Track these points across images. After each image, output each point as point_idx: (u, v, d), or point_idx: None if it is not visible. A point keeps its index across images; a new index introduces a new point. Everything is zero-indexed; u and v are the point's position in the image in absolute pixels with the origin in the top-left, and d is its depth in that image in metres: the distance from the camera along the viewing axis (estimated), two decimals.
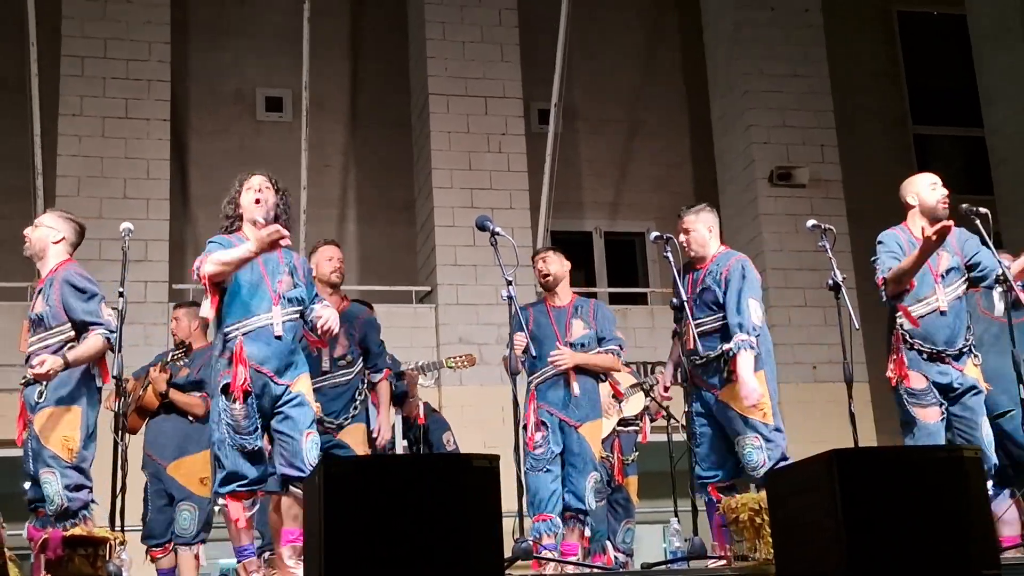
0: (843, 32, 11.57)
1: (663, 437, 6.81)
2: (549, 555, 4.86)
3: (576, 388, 5.21)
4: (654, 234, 5.24)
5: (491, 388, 8.83)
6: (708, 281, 5.02)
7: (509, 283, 4.80)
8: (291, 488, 4.32)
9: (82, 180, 9.00)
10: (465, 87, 10.11)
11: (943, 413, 4.83)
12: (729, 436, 4.92)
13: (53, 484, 4.55)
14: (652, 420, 7.04)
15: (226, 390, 4.27)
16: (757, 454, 4.81)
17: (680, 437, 6.40)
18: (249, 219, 4.46)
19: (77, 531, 4.03)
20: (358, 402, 5.33)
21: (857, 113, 11.50)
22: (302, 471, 4.22)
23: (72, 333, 4.65)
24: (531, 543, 4.48)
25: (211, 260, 4.28)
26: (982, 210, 5.10)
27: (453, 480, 3.18)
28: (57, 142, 9.13)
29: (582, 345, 5.28)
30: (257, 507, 4.41)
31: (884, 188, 11.70)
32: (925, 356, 4.93)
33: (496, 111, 10.12)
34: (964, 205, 5.13)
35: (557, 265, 5.41)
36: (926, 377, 4.88)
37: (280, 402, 4.32)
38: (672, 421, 6.72)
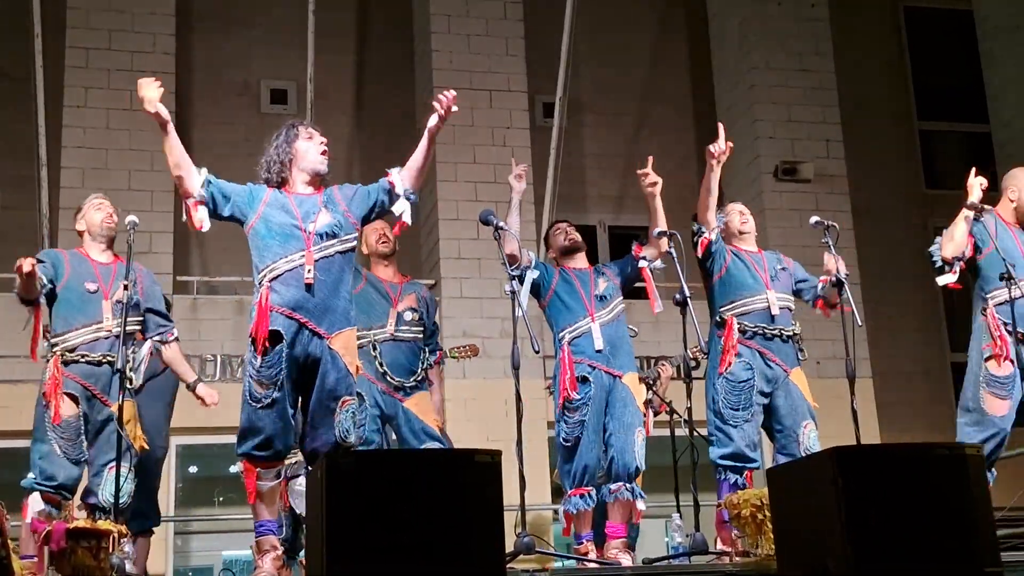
0: (849, 27, 11.55)
1: (665, 431, 6.80)
2: (552, 549, 4.86)
3: (599, 342, 5.04)
4: (657, 230, 5.25)
5: (494, 382, 8.84)
6: (779, 264, 5.29)
7: (512, 277, 4.80)
8: (310, 466, 4.13)
9: (86, 171, 9.01)
10: (470, 80, 10.09)
11: (1011, 407, 4.92)
12: (779, 419, 5.06)
13: (127, 482, 4.56)
14: (656, 414, 7.03)
15: (253, 341, 4.02)
16: (819, 443, 4.94)
17: (682, 432, 6.40)
18: (311, 170, 4.32)
19: (80, 523, 4.04)
20: (421, 369, 5.28)
21: (863, 108, 11.48)
22: (329, 443, 4.04)
23: None
24: (532, 538, 4.46)
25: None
26: (987, 207, 5.11)
27: (455, 475, 3.18)
28: (62, 133, 9.15)
29: (607, 297, 5.18)
30: (280, 480, 4.16)
31: (889, 183, 11.76)
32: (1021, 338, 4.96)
33: (501, 104, 10.11)
34: (970, 201, 5.13)
35: (578, 235, 5.44)
36: (1013, 363, 4.92)
37: (316, 360, 4.05)
38: (675, 416, 6.72)
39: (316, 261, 4.12)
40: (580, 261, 5.37)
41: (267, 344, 4.01)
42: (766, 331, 5.09)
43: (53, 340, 4.70)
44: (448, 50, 10.13)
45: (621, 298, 5.28)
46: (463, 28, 10.18)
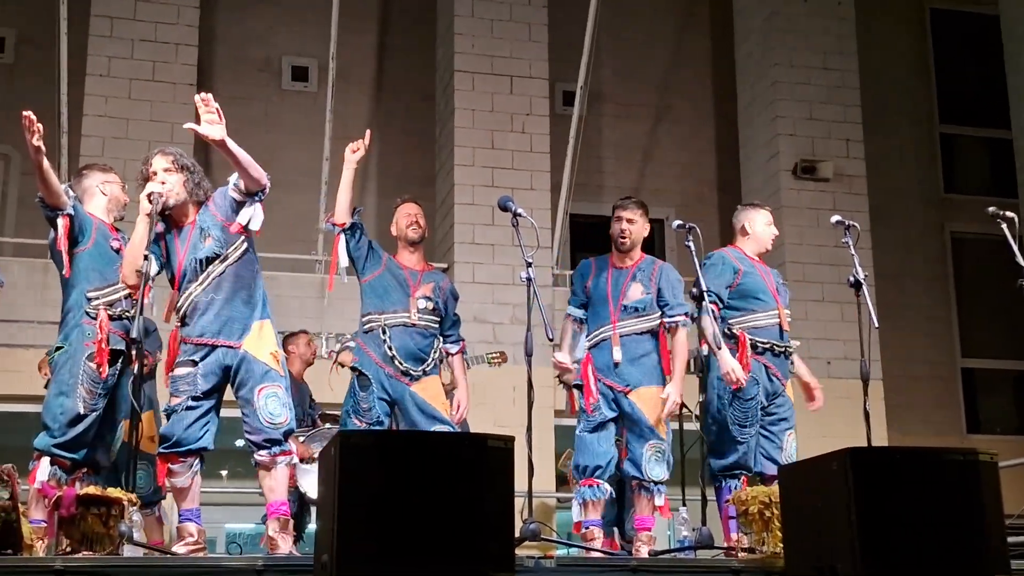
0: (874, 27, 11.49)
1: (674, 425, 6.78)
2: (558, 537, 4.87)
3: (618, 354, 5.04)
4: (676, 223, 5.22)
5: (503, 368, 8.82)
6: (780, 279, 5.38)
7: (529, 265, 4.79)
8: (256, 457, 4.32)
9: (107, 141, 9.02)
10: (491, 65, 10.08)
11: None
12: (768, 425, 5.15)
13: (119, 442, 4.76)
14: None
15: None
16: (795, 451, 5.11)
17: (690, 426, 6.40)
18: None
19: (91, 490, 4.05)
20: (432, 357, 5.28)
21: (884, 109, 11.42)
22: (261, 432, 4.27)
23: None
24: (538, 525, 4.47)
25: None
26: (1009, 214, 5.07)
27: (468, 459, 3.19)
28: (83, 102, 9.15)
29: (636, 309, 5.11)
30: (192, 473, 4.35)
31: (907, 185, 11.71)
32: None
33: (521, 91, 10.09)
34: (991, 209, 5.10)
35: (638, 228, 5.25)
36: None
37: (234, 366, 4.34)
38: (685, 410, 6.69)
39: (208, 284, 4.36)
40: (627, 259, 5.27)
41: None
42: (776, 347, 5.19)
43: (93, 295, 4.64)
44: (471, 34, 10.10)
45: (657, 314, 5.14)
46: (487, 12, 10.15)
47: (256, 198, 4.39)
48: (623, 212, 5.27)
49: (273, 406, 4.29)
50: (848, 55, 10.80)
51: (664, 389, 5.04)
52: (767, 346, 5.15)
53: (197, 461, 4.37)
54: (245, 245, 4.43)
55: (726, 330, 5.17)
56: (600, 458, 5.02)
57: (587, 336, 5.21)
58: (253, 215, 4.39)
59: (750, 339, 5.12)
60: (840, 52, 10.77)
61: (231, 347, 4.33)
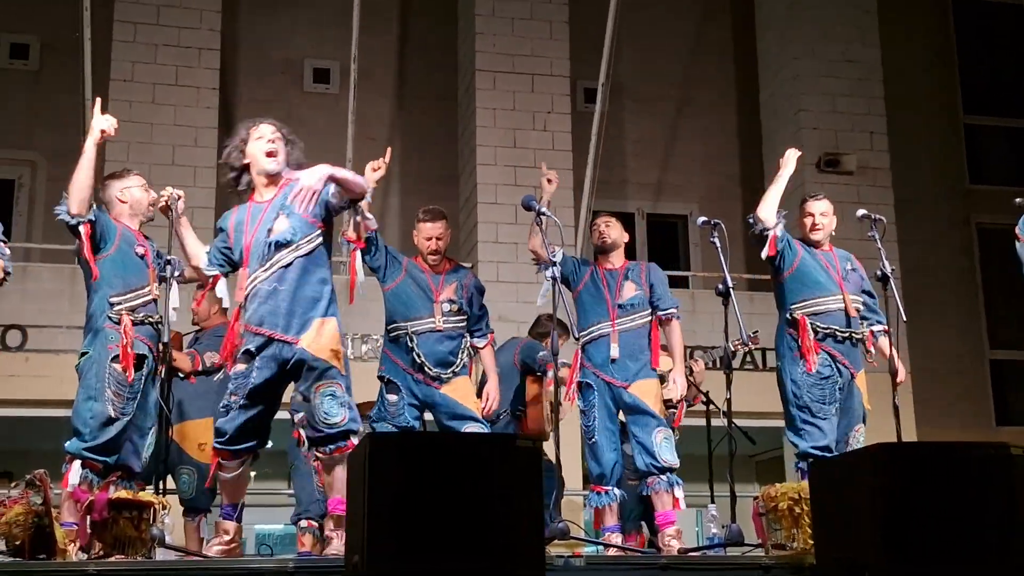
0: (897, 18, 11.41)
1: (701, 421, 6.78)
2: (586, 535, 4.88)
3: (615, 351, 5.13)
4: (701, 219, 5.25)
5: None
6: (850, 265, 5.26)
7: (553, 264, 4.80)
8: (315, 452, 4.24)
9: (132, 145, 9.07)
10: (512, 64, 10.08)
11: None
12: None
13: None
14: (689, 405, 6.99)
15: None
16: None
17: (718, 422, 6.38)
18: (260, 172, 4.32)
19: (123, 495, 4.08)
20: (459, 359, 5.25)
21: (908, 100, 11.34)
22: (318, 431, 4.14)
23: None
24: (567, 524, 4.49)
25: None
26: None
27: (498, 460, 3.19)
28: (107, 107, 9.20)
29: (631, 306, 5.23)
30: (241, 470, 4.30)
31: (932, 177, 11.62)
32: None
33: (543, 89, 10.09)
34: (1018, 200, 5.06)
35: (617, 232, 5.44)
36: None
37: (291, 363, 4.17)
38: (712, 406, 6.69)
39: (273, 272, 4.20)
40: (614, 260, 5.39)
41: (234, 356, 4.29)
42: (838, 333, 5.04)
43: (115, 300, 4.65)
44: (492, 33, 10.11)
45: (648, 310, 5.29)
46: (507, 11, 10.16)
47: (357, 203, 4.37)
48: (599, 219, 5.57)
49: (329, 405, 4.12)
50: (871, 47, 10.73)
51: (666, 378, 5.22)
52: (828, 331, 5.02)
53: (249, 458, 4.32)
54: (320, 239, 4.25)
55: (788, 316, 5.12)
56: (605, 461, 5.17)
57: (582, 334, 5.27)
58: (362, 222, 4.47)
59: (811, 324, 5.02)
60: (863, 44, 10.70)
61: (287, 342, 4.15)
